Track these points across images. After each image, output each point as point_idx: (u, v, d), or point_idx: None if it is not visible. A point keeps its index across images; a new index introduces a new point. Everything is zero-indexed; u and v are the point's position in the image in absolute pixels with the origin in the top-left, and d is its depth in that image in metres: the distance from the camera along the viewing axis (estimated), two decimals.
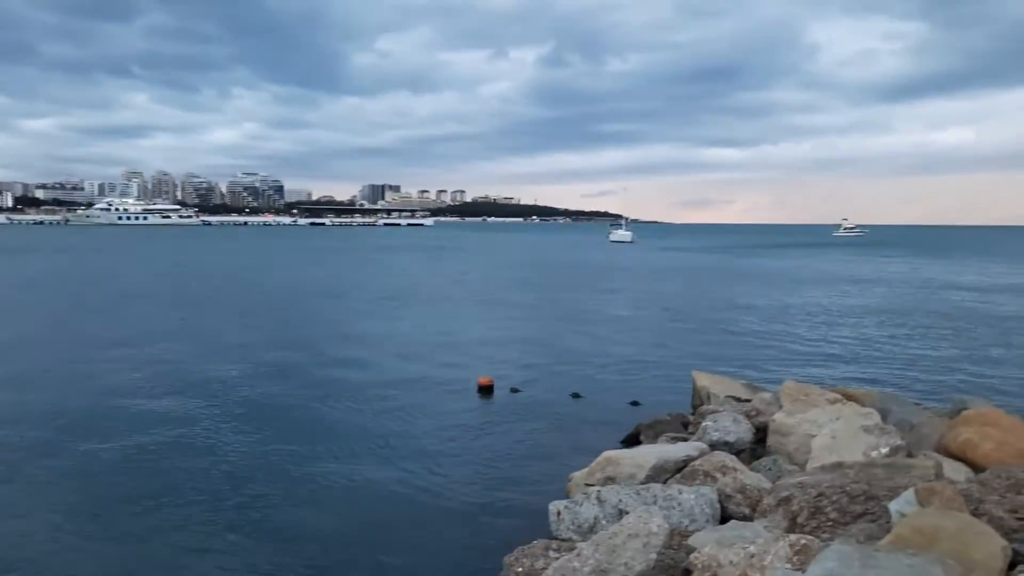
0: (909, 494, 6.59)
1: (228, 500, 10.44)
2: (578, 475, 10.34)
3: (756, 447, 11.38)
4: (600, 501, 8.43)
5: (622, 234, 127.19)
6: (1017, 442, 9.18)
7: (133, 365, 19.57)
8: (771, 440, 11.07)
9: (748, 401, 13.41)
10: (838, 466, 8.45)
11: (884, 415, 11.34)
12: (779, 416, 11.23)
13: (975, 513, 6.57)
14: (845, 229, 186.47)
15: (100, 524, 9.64)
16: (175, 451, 12.59)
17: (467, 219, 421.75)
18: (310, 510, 10.14)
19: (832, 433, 9.97)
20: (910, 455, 9.25)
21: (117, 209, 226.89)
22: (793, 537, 6.08)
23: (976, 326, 28.56)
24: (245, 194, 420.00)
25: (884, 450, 9.12)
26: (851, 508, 7.17)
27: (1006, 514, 6.61)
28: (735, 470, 9.06)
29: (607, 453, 10.29)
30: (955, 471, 8.88)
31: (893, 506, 6.63)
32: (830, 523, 7.12)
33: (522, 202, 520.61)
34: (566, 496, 9.71)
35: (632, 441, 12.87)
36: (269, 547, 8.99)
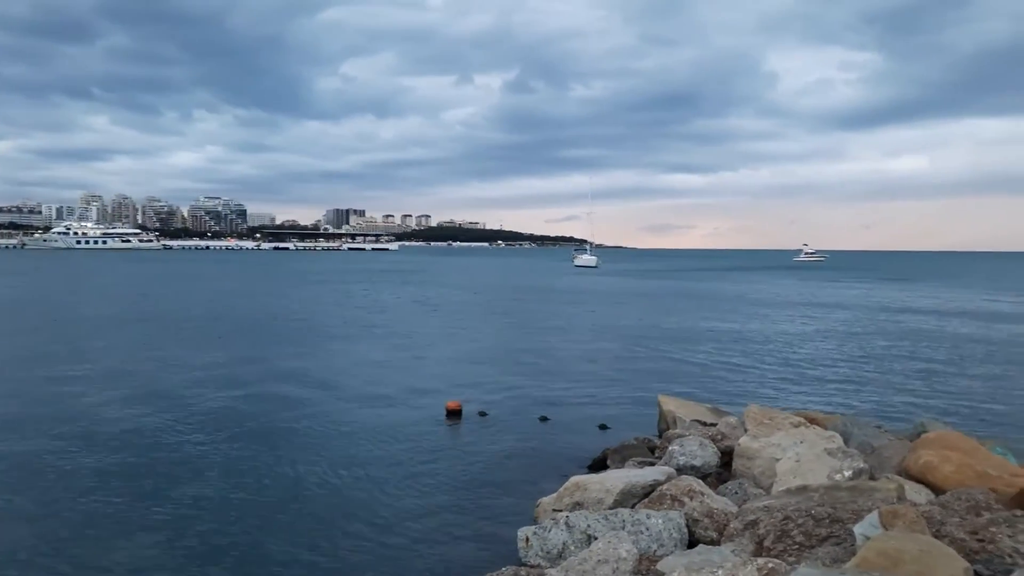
0: (873, 517, 6.69)
1: (175, 541, 10.16)
2: (546, 500, 10.31)
3: (722, 471, 11.48)
4: (569, 527, 8.42)
5: (587, 259, 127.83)
6: (976, 464, 9.36)
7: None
8: (737, 464, 11.17)
9: (714, 425, 13.52)
10: (803, 489, 8.56)
11: (846, 438, 11.53)
12: (744, 440, 11.35)
13: (937, 535, 6.69)
14: (806, 254, 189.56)
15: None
16: (127, 485, 12.30)
17: (432, 243, 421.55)
18: (269, 537, 9.93)
19: (796, 456, 10.09)
20: (872, 478, 9.40)
21: (76, 233, 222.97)
22: (760, 561, 6.12)
23: (933, 349, 29.14)
24: (207, 218, 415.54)
25: (847, 473, 9.25)
26: (817, 531, 7.25)
27: (967, 536, 6.73)
28: (702, 494, 9.11)
29: (575, 478, 10.30)
30: (916, 493, 9.02)
31: (857, 529, 6.72)
32: (796, 546, 7.19)
33: (487, 227, 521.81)
34: (534, 521, 9.67)
35: (599, 466, 12.88)
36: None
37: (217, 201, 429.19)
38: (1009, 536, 6.59)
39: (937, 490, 9.21)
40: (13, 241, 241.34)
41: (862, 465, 9.53)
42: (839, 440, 10.81)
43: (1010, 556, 6.44)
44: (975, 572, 5.90)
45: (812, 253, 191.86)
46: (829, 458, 9.75)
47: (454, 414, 17.10)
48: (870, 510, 7.10)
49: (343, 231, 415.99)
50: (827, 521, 7.34)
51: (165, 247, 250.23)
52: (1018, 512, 7.22)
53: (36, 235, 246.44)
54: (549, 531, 8.46)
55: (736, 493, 9.99)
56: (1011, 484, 8.75)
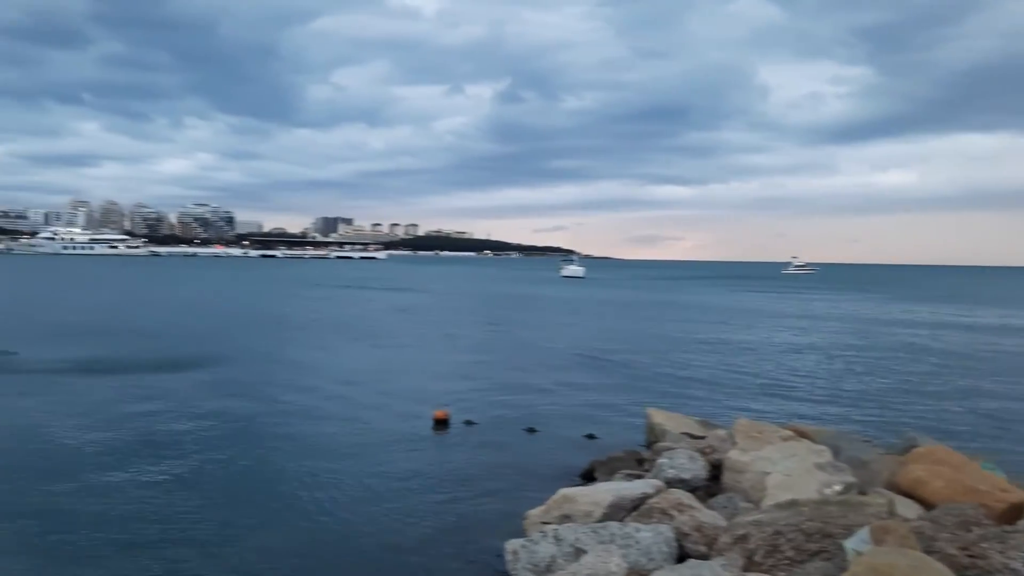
0: (864, 532, 6.65)
1: (161, 550, 10.00)
2: (534, 513, 10.22)
3: (711, 484, 11.42)
4: (557, 540, 8.34)
5: (574, 269, 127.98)
6: (966, 479, 9.35)
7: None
8: (726, 477, 11.12)
9: (702, 438, 13.47)
10: (793, 504, 8.51)
11: (836, 452, 11.49)
12: (733, 454, 11.31)
13: (927, 551, 6.65)
14: (795, 267, 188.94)
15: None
16: (109, 493, 12.13)
17: (420, 253, 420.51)
18: (246, 551, 9.73)
19: (786, 471, 10.05)
20: (862, 492, 9.37)
21: (63, 238, 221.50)
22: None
23: (923, 363, 29.26)
24: (195, 225, 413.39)
25: (837, 487, 9.22)
26: (807, 546, 7.20)
27: (957, 551, 6.70)
28: (691, 508, 9.05)
29: (563, 491, 10.22)
30: (906, 508, 9.00)
31: (848, 544, 6.68)
32: (787, 561, 7.15)
33: (475, 236, 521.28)
34: (522, 534, 9.58)
35: (587, 478, 12.80)
36: None
37: (205, 208, 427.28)
38: (1000, 552, 6.57)
39: (927, 505, 9.20)
40: (0, 246, 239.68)
41: (852, 480, 9.50)
42: (829, 454, 10.78)
43: (1000, 572, 6.41)
44: None
45: (802, 265, 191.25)
46: (819, 472, 9.72)
47: (441, 423, 17.01)
48: (860, 525, 7.07)
49: (331, 239, 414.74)
50: (817, 536, 7.30)
51: (153, 253, 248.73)
52: (1008, 527, 7.21)
53: (23, 240, 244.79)
54: (537, 544, 8.38)
55: (725, 507, 9.93)
56: (1001, 499, 8.75)
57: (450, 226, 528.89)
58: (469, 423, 17.10)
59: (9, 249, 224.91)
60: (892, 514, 8.11)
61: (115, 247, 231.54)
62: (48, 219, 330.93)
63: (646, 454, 13.70)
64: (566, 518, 9.52)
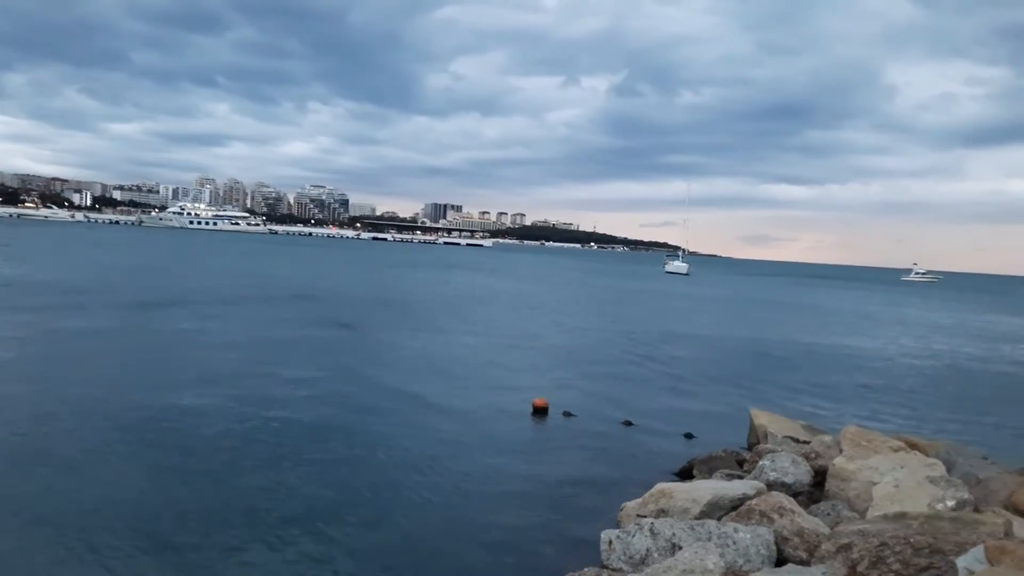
0: (978, 551, 6.37)
1: (270, 511, 10.54)
2: (630, 505, 10.23)
3: (814, 490, 11.11)
4: (653, 533, 8.32)
5: (678, 265, 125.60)
6: None
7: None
8: (830, 484, 10.80)
9: (807, 443, 13.13)
10: (901, 516, 8.22)
11: (949, 467, 10.99)
12: (839, 461, 10.96)
13: None
14: (916, 274, 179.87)
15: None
16: (212, 468, 12.79)
17: (525, 242, 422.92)
18: (354, 527, 10.09)
19: (895, 482, 9.68)
20: (977, 510, 8.93)
21: (189, 213, 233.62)
22: None
23: None
24: (312, 206, 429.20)
25: (950, 503, 8.82)
26: (915, 561, 6.94)
27: None
28: (793, 512, 8.85)
29: (660, 485, 10.18)
30: None
31: (961, 562, 6.42)
32: (892, 574, 6.91)
33: (581, 228, 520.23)
34: (617, 525, 9.62)
35: (685, 475, 12.70)
36: (306, 565, 8.98)
37: (322, 190, 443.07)
38: None
39: None
40: (131, 218, 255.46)
41: (967, 496, 9.06)
42: (942, 468, 10.31)
43: None
44: None
45: (923, 273, 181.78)
46: (931, 486, 9.31)
47: (540, 412, 17.16)
48: (974, 544, 6.76)
49: (440, 225, 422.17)
50: (927, 551, 7.02)
51: (271, 231, 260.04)
52: None
53: (153, 213, 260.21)
54: (633, 536, 8.39)
55: (828, 514, 9.66)
56: None
57: (557, 217, 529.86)
58: (567, 414, 17.17)
59: (140, 221, 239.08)
60: (1009, 535, 7.72)
61: (237, 223, 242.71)
62: (176, 194, 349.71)
63: (747, 455, 13.46)
64: (662, 513, 9.49)
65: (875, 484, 9.88)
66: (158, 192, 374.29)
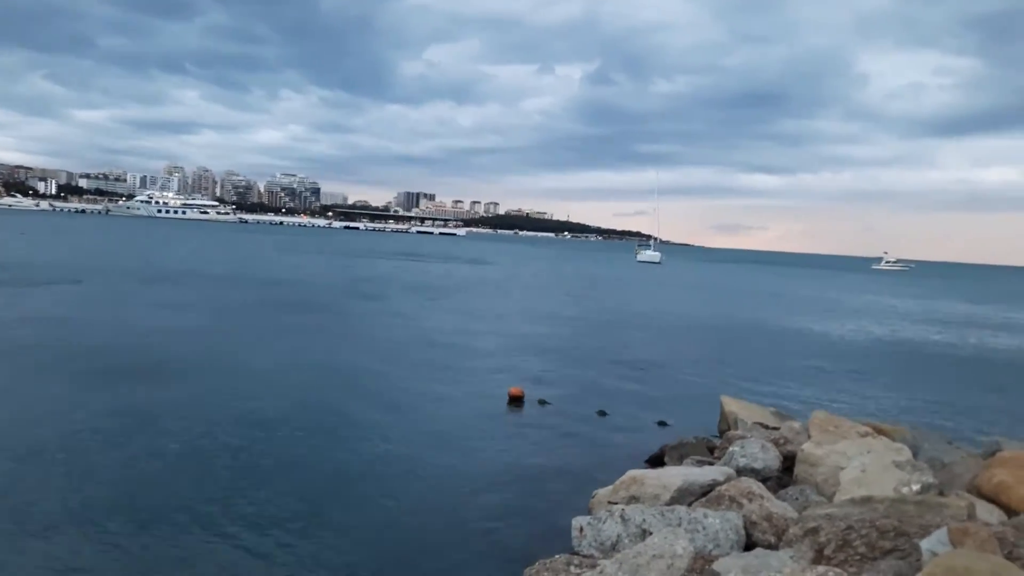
0: (942, 533, 6.48)
1: (242, 506, 10.49)
2: (602, 492, 10.29)
3: (783, 476, 11.25)
4: (624, 519, 8.38)
5: (650, 254, 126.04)
6: None
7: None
8: (799, 470, 10.94)
9: (776, 429, 13.27)
10: (868, 500, 8.33)
11: (915, 451, 11.17)
12: (808, 446, 11.10)
13: (1009, 557, 6.44)
14: (887, 263, 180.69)
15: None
16: (183, 456, 12.71)
17: (499, 231, 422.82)
18: (323, 517, 10.02)
19: (862, 466, 9.82)
20: (942, 494, 9.08)
21: (157, 202, 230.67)
22: (820, 569, 6.00)
23: (1017, 367, 28.01)
24: (282, 194, 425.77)
25: (915, 487, 8.96)
26: (880, 543, 7.05)
27: None
28: (761, 497, 8.95)
29: (632, 472, 10.24)
30: (988, 513, 8.70)
31: (925, 544, 6.52)
32: (858, 557, 7.01)
33: (555, 217, 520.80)
34: (589, 512, 9.67)
35: (657, 462, 12.78)
36: (283, 551, 8.96)
37: (293, 178, 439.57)
38: None
39: (1010, 512, 8.87)
40: (99, 207, 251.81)
41: (931, 480, 9.22)
42: (908, 453, 10.48)
43: None
44: None
45: (893, 262, 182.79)
46: (896, 471, 9.46)
47: (516, 400, 17.20)
48: (938, 526, 6.87)
49: (412, 214, 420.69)
50: (892, 534, 7.13)
51: (241, 220, 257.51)
52: None
53: (120, 202, 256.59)
54: (604, 522, 8.44)
55: (797, 499, 9.79)
56: None
57: (531, 206, 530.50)
58: (543, 403, 17.22)
59: (107, 211, 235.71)
60: (972, 518, 7.87)
61: (206, 212, 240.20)
62: (144, 182, 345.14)
63: (717, 442, 13.59)
64: (634, 499, 9.55)
65: (842, 469, 10.02)
66: (125, 180, 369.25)
